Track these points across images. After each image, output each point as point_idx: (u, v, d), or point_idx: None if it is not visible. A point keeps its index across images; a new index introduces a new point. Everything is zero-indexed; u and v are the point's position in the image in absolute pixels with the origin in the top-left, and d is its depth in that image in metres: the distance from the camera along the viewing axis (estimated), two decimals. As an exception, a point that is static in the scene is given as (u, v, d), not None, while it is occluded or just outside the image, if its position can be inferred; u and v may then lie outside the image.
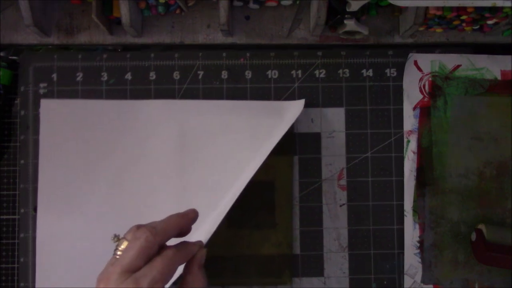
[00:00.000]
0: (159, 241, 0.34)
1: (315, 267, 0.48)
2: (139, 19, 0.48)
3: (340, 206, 0.49)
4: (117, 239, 0.35)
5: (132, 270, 0.33)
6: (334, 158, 0.49)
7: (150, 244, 0.34)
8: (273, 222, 0.48)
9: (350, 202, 0.49)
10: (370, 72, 0.50)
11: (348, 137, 0.49)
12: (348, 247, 0.48)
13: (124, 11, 0.44)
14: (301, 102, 0.47)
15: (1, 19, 0.49)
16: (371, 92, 0.50)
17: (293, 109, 0.47)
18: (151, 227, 0.35)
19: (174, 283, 0.39)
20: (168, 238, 0.36)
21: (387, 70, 0.50)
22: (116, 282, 0.32)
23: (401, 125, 0.49)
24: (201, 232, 0.42)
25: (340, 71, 0.50)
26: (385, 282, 0.48)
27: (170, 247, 0.35)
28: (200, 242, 0.39)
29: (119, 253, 0.34)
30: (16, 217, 0.49)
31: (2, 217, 0.49)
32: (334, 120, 0.49)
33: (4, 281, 0.49)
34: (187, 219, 0.38)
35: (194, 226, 0.38)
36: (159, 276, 0.33)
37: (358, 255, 0.48)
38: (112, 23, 0.49)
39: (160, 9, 0.47)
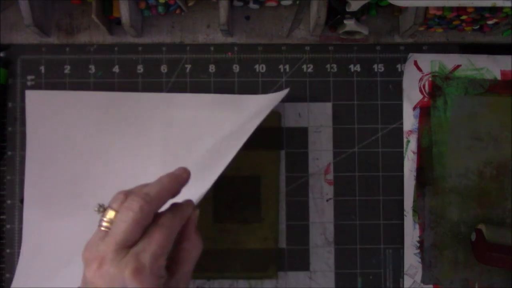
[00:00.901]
0: (154, 209, 0.31)
1: (301, 262, 0.48)
2: (139, 19, 0.48)
3: (327, 200, 0.49)
4: (103, 209, 0.31)
5: (128, 245, 0.29)
6: (321, 153, 0.49)
7: (145, 214, 0.30)
8: (260, 217, 0.48)
9: (336, 196, 0.49)
10: (358, 67, 0.50)
11: (335, 132, 0.49)
12: (334, 241, 0.49)
13: (124, 11, 0.44)
14: (285, 92, 0.46)
15: (1, 19, 0.49)
16: (358, 87, 0.50)
17: (276, 98, 0.46)
18: (144, 194, 0.30)
19: None
20: (163, 204, 0.32)
21: (375, 66, 0.50)
22: (113, 261, 0.28)
23: (387, 121, 0.49)
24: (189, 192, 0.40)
25: (328, 66, 0.50)
26: (371, 277, 0.48)
27: (164, 213, 0.32)
28: (190, 202, 0.35)
29: (105, 224, 0.30)
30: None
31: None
32: (321, 115, 0.49)
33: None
34: (181, 181, 0.34)
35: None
36: (160, 249, 0.30)
37: (344, 250, 0.49)
38: (112, 23, 0.49)
39: (160, 9, 0.47)
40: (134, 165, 0.48)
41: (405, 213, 0.49)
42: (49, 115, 0.48)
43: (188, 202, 0.34)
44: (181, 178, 0.34)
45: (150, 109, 0.48)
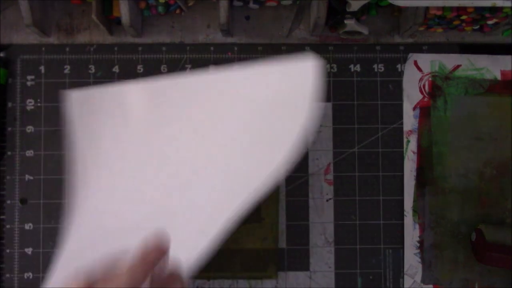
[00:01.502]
0: None
1: (301, 262, 0.48)
2: (139, 19, 0.48)
3: (327, 200, 0.49)
4: None
5: None
6: (321, 153, 0.49)
7: None
8: (259, 217, 0.48)
9: (336, 196, 0.49)
10: (358, 67, 0.50)
11: (335, 132, 0.49)
12: (334, 241, 0.49)
13: (124, 11, 0.44)
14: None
15: (1, 19, 0.49)
16: (358, 87, 0.50)
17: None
18: None
19: None
20: None
21: (375, 66, 0.50)
22: None
23: (387, 121, 0.49)
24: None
25: (328, 66, 0.50)
26: (371, 277, 0.48)
27: None
28: (177, 272, 0.29)
29: None
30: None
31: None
32: (321, 115, 0.49)
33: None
34: (159, 256, 0.28)
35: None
36: None
37: (344, 250, 0.49)
38: (112, 23, 0.49)
39: (160, 9, 0.47)
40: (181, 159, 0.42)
41: (405, 213, 0.49)
42: (90, 113, 0.45)
43: (174, 274, 0.29)
44: (158, 252, 0.28)
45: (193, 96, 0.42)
